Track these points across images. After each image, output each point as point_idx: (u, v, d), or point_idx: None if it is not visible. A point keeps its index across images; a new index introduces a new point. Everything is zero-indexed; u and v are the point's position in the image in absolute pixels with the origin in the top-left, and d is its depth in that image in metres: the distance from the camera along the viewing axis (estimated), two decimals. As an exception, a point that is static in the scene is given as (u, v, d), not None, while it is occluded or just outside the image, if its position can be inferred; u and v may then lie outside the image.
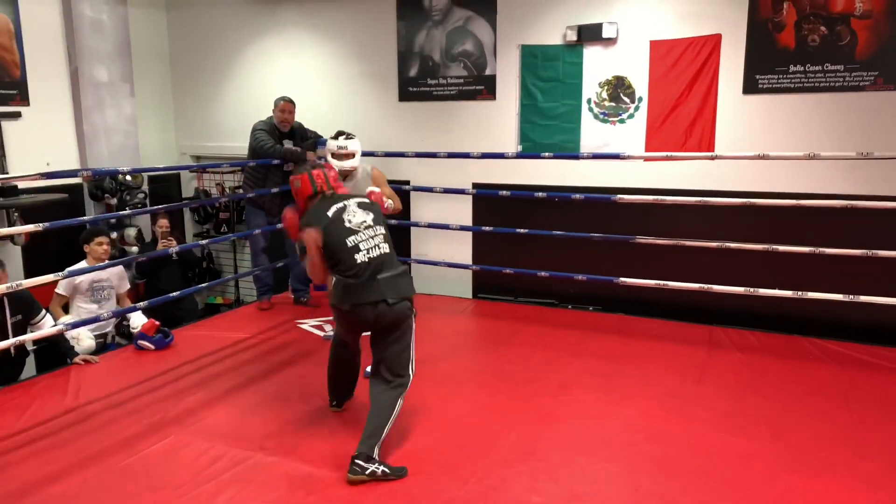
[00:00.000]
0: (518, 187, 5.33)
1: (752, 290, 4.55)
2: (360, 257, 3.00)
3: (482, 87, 5.67)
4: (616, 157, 5.01)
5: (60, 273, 3.99)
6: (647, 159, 5.09)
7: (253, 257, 5.58)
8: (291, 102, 5.38)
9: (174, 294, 4.68)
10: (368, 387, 3.10)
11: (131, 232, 6.03)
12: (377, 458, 2.84)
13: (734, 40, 4.84)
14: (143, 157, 6.35)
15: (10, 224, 5.02)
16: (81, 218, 5.56)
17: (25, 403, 3.58)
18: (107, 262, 4.60)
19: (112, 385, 3.83)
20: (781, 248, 4.51)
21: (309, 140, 5.56)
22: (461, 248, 5.82)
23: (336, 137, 4.35)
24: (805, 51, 4.66)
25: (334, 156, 4.31)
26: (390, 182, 4.71)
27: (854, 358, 4.25)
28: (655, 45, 5.03)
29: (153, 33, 6.86)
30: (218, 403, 3.62)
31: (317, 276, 3.15)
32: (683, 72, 4.97)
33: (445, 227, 5.61)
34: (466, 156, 5.32)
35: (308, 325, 4.98)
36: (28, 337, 3.84)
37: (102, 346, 4.68)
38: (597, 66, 5.24)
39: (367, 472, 2.80)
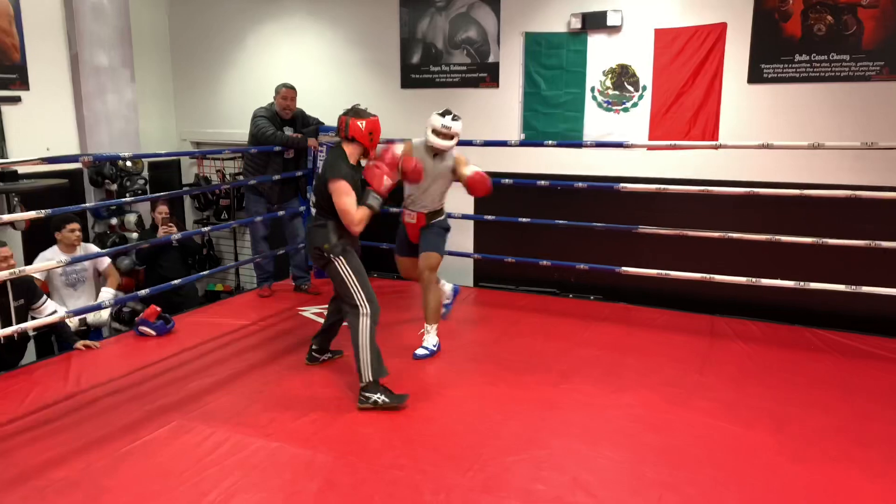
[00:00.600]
0: (520, 176, 5.31)
1: (754, 280, 4.54)
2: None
3: (485, 74, 5.64)
4: (619, 145, 4.99)
5: (63, 259, 3.98)
6: (650, 148, 5.08)
7: (253, 245, 5.55)
8: (293, 89, 5.34)
9: (175, 281, 4.67)
10: None
11: (131, 218, 6.02)
12: (371, 380, 3.36)
13: (739, 29, 4.81)
14: (143, 144, 6.32)
15: (10, 209, 5.00)
16: (82, 204, 5.55)
17: (26, 389, 3.57)
18: (94, 249, 4.58)
19: (113, 371, 3.82)
20: (784, 238, 4.50)
21: (310, 127, 5.53)
22: (462, 237, 5.80)
23: (443, 115, 4.10)
24: (811, 40, 4.63)
25: (435, 132, 4.09)
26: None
27: (855, 348, 4.25)
28: (660, 34, 5.00)
29: (154, 19, 6.82)
30: (220, 389, 3.61)
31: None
32: (688, 60, 4.95)
33: (448, 215, 5.57)
34: (469, 144, 5.28)
35: (309, 312, 4.97)
36: (32, 324, 3.83)
37: (85, 333, 4.65)
38: (601, 55, 5.21)
39: (370, 401, 3.32)
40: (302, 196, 5.76)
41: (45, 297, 4.13)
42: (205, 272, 5.58)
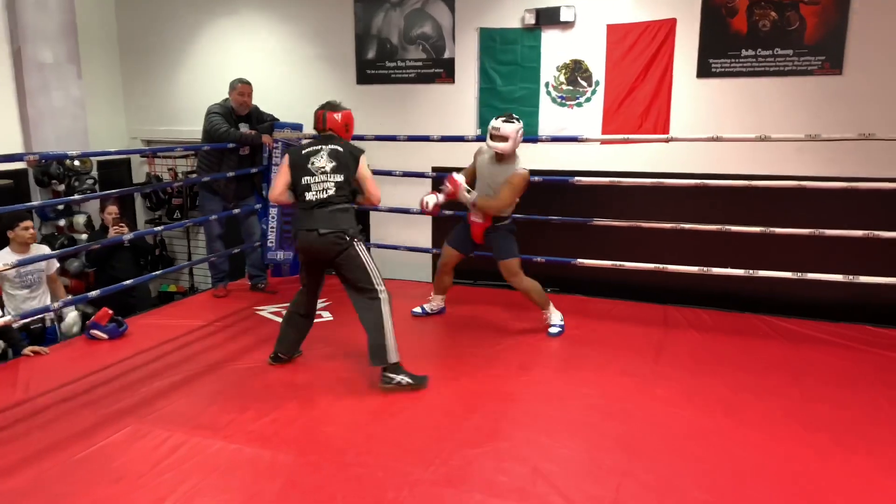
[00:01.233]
0: (477, 171, 5.33)
1: (705, 269, 4.66)
2: (310, 195, 3.56)
3: (441, 70, 5.64)
4: (574, 139, 5.06)
5: (14, 260, 3.85)
6: (603, 142, 5.16)
7: (208, 244, 5.44)
8: (249, 84, 5.24)
9: (127, 282, 4.56)
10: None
11: (80, 219, 5.86)
12: (396, 362, 3.49)
13: (688, 24, 4.92)
14: (91, 142, 6.15)
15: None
16: (28, 203, 5.36)
17: (-27, 397, 3.46)
18: (45, 250, 4.45)
19: (64, 376, 3.72)
20: (734, 228, 4.63)
21: (265, 123, 5.46)
22: (421, 232, 5.81)
23: (497, 118, 4.22)
24: (757, 35, 4.76)
25: (490, 135, 4.21)
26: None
27: (802, 334, 4.40)
28: (612, 29, 5.08)
29: (100, 13, 6.63)
30: (176, 392, 3.55)
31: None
32: (639, 56, 5.04)
33: (405, 211, 5.59)
34: (426, 139, 5.31)
35: (266, 311, 4.92)
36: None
37: (41, 330, 4.52)
38: (555, 50, 5.27)
39: (395, 381, 3.49)
40: (258, 193, 5.69)
41: None
42: (157, 272, 5.46)
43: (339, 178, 3.58)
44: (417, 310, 4.80)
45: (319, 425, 3.18)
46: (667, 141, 4.83)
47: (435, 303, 4.80)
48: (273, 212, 5.67)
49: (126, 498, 2.59)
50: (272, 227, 5.68)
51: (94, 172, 6.03)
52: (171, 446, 2.96)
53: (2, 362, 3.95)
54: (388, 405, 3.39)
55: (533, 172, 5.10)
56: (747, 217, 4.67)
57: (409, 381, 3.52)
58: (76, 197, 5.13)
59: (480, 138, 5.33)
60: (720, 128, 4.74)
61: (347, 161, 3.60)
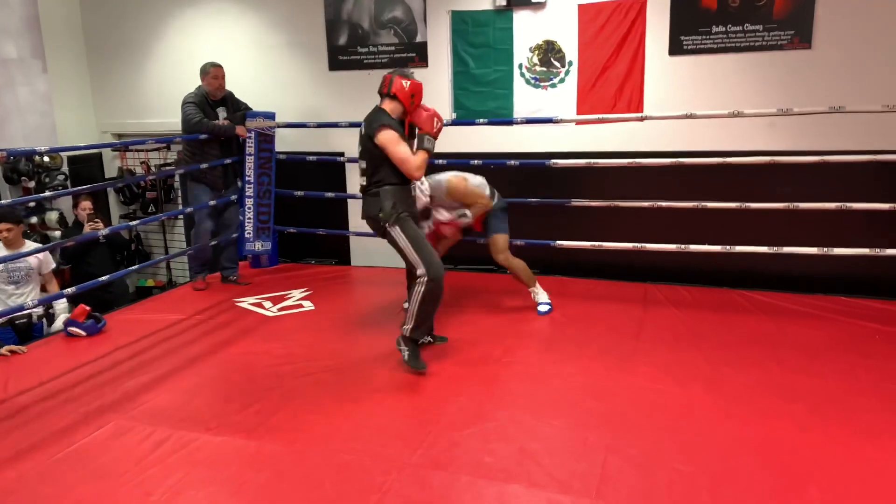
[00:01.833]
0: (453, 155, 5.30)
1: (683, 246, 4.71)
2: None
3: (414, 54, 5.60)
4: (549, 121, 5.07)
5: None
6: (578, 122, 5.17)
7: (195, 234, 5.36)
8: (221, 67, 5.16)
9: (103, 278, 4.50)
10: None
11: (52, 216, 5.77)
12: (406, 335, 3.54)
13: (659, 2, 4.93)
14: (60, 138, 6.05)
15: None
16: (-4, 202, 5.28)
17: (-51, 399, 3.40)
18: (36, 247, 4.38)
19: (44, 374, 3.67)
20: (710, 204, 4.68)
21: (240, 112, 5.40)
22: (399, 219, 5.78)
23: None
24: (726, 11, 4.78)
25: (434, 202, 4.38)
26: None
27: (780, 307, 4.47)
28: (584, 9, 5.07)
29: (64, 6, 6.48)
30: (158, 387, 3.52)
31: None
32: (611, 35, 5.04)
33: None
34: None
35: (247, 303, 4.89)
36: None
37: (28, 326, 4.45)
38: (527, 31, 5.25)
39: (399, 347, 3.58)
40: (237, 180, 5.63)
41: None
42: (135, 267, 5.39)
43: (363, 164, 3.61)
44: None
45: (304, 414, 3.17)
46: (641, 119, 4.85)
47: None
48: (249, 202, 5.62)
49: (111, 495, 2.57)
50: (249, 218, 5.64)
51: (65, 168, 5.92)
52: (156, 441, 2.94)
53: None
54: (372, 391, 3.40)
55: (509, 155, 5.15)
56: (723, 193, 4.71)
57: (406, 358, 3.57)
58: (47, 194, 5.04)
59: (455, 122, 5.33)
60: (693, 105, 4.76)
61: (366, 144, 3.56)
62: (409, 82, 3.57)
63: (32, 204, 5.62)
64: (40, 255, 4.57)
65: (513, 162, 5.08)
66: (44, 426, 3.12)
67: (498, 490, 2.54)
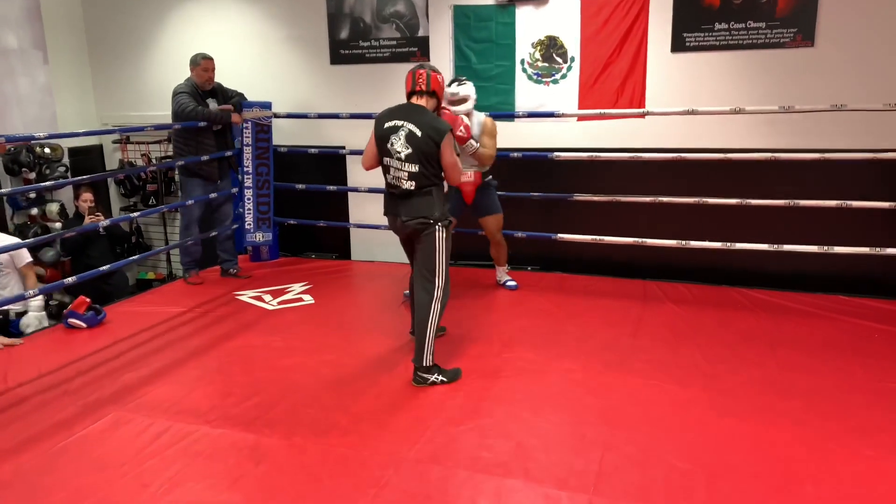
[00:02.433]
0: (455, 150, 5.31)
1: (683, 242, 4.71)
2: (389, 178, 3.45)
3: (415, 48, 5.60)
4: (551, 115, 5.07)
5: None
6: (580, 118, 5.16)
7: (184, 228, 5.33)
8: (212, 59, 5.13)
9: (103, 268, 4.50)
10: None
11: (53, 207, 5.76)
12: (429, 365, 3.39)
13: (662, -1, 4.92)
14: (61, 129, 6.03)
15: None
16: (-2, 191, 5.28)
17: (-51, 390, 3.41)
18: (29, 240, 4.37)
19: (43, 366, 3.68)
20: (710, 200, 4.68)
21: (234, 99, 5.38)
22: (400, 213, 5.78)
23: (450, 85, 4.41)
24: (729, 9, 4.77)
25: (449, 102, 4.33)
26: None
27: (778, 305, 4.47)
28: (586, 4, 5.06)
29: (65, -3, 6.47)
30: (158, 379, 3.53)
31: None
32: (614, 31, 5.03)
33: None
34: (402, 119, 5.25)
35: (247, 296, 4.89)
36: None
37: (4, 322, 4.45)
38: (529, 26, 5.24)
39: (428, 382, 3.39)
40: (235, 171, 5.62)
41: None
42: (134, 258, 5.37)
43: (414, 168, 3.32)
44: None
45: (303, 408, 3.18)
46: (643, 116, 4.85)
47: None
48: (249, 194, 5.62)
49: (109, 486, 2.58)
50: (248, 210, 5.63)
51: (66, 160, 5.91)
52: (154, 433, 2.95)
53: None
54: (370, 385, 3.41)
55: (511, 150, 5.13)
56: (724, 190, 4.72)
57: (444, 378, 3.41)
58: (48, 184, 5.02)
59: (457, 117, 5.31)
60: (695, 101, 4.76)
61: (423, 147, 3.30)
62: (441, 76, 3.49)
63: (33, 195, 5.62)
64: (12, 250, 4.44)
65: (515, 155, 5.08)
66: (43, 417, 3.13)
67: (496, 485, 2.55)
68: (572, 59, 5.18)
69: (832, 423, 2.96)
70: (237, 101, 5.36)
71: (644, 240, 4.80)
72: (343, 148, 5.77)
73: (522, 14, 5.24)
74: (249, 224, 5.64)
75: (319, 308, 4.64)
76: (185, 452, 2.80)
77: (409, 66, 5.51)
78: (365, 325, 4.34)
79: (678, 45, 4.94)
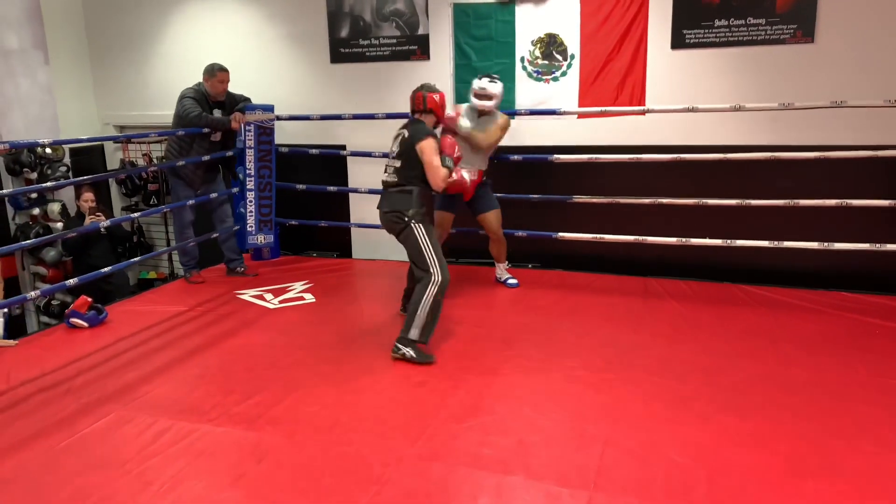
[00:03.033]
0: (455, 148, 5.31)
1: (683, 240, 4.71)
2: (383, 176, 3.91)
3: (415, 47, 5.60)
4: (551, 113, 5.07)
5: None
6: (580, 115, 5.16)
7: (177, 231, 5.35)
8: (228, 72, 5.14)
9: (105, 269, 4.51)
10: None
11: (55, 207, 5.77)
12: (413, 339, 3.61)
13: (661, -5, 4.91)
14: (62, 129, 6.04)
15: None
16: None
17: (-49, 390, 3.42)
18: (30, 241, 4.37)
19: (45, 365, 3.69)
20: (710, 201, 4.68)
21: (239, 105, 5.39)
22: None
23: (480, 78, 4.60)
24: (729, 5, 4.77)
25: (475, 94, 4.57)
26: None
27: (779, 301, 4.47)
28: (586, 2, 5.06)
29: (65, -3, 6.49)
30: (159, 377, 3.54)
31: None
32: (614, 28, 5.02)
33: (384, 191, 5.55)
34: (404, 117, 5.25)
35: (248, 295, 4.90)
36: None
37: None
38: (529, 24, 5.24)
39: (399, 352, 3.63)
40: (233, 177, 5.63)
41: None
42: (136, 259, 5.39)
43: (397, 163, 3.82)
44: None
45: (304, 406, 3.19)
46: (643, 113, 4.85)
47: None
48: (251, 195, 5.63)
49: (111, 484, 2.59)
50: (250, 212, 5.64)
51: (67, 160, 5.92)
52: (156, 432, 2.96)
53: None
54: (372, 384, 3.41)
55: (511, 149, 5.14)
56: (724, 189, 4.72)
57: (414, 355, 3.61)
58: (49, 184, 5.03)
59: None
60: (695, 98, 4.76)
61: (408, 146, 3.78)
62: (438, 95, 3.95)
63: (34, 195, 5.63)
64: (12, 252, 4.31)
65: (516, 157, 5.09)
66: (45, 416, 3.14)
67: (496, 482, 2.56)
68: (572, 57, 5.18)
69: (833, 418, 2.96)
70: (242, 106, 5.36)
71: (644, 238, 4.80)
72: (344, 148, 5.77)
73: (522, 12, 5.24)
74: (251, 226, 5.65)
75: (321, 306, 4.65)
76: (187, 451, 2.81)
77: (410, 64, 5.63)
78: (366, 324, 4.35)
79: (678, 42, 4.94)
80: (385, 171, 3.90)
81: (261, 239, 5.71)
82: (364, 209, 5.90)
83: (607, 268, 5.14)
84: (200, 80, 5.16)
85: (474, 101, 4.57)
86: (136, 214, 5.46)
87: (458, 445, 2.82)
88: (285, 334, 4.11)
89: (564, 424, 2.98)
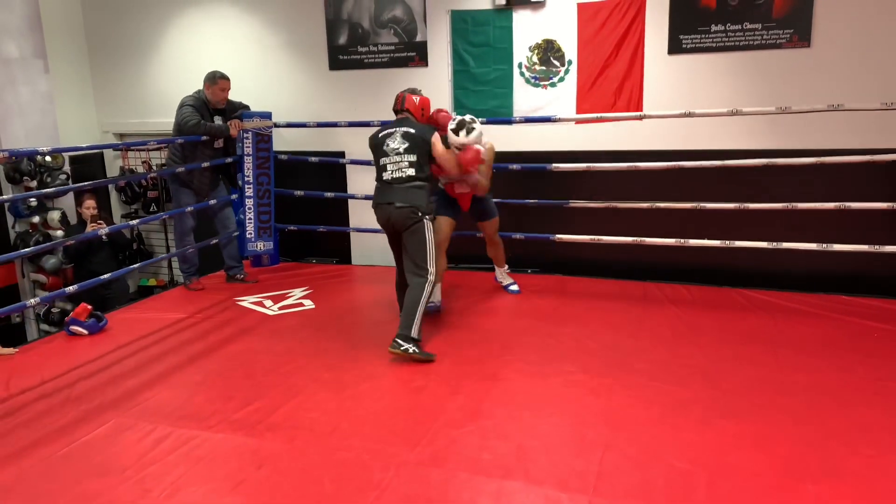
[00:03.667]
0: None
1: (682, 241, 4.72)
2: (386, 175, 3.91)
3: (414, 53, 5.62)
4: (548, 120, 5.09)
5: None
6: (578, 121, 5.17)
7: (178, 238, 5.36)
8: (229, 80, 5.17)
9: (104, 276, 4.51)
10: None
11: (55, 215, 5.78)
12: (415, 337, 3.66)
13: (658, 1, 4.93)
14: (62, 137, 6.05)
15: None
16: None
17: (-49, 398, 3.42)
18: (30, 248, 4.38)
19: (45, 373, 3.69)
20: (708, 205, 4.69)
21: (237, 112, 5.41)
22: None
23: (456, 132, 4.15)
24: (725, 10, 4.79)
25: (456, 149, 4.14)
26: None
27: (778, 305, 4.47)
28: (583, 7, 5.08)
29: (65, 6, 6.51)
30: (159, 384, 3.54)
31: None
32: (611, 34, 5.05)
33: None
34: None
35: (247, 301, 4.90)
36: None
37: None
38: (526, 30, 5.26)
39: (402, 348, 3.65)
40: (233, 184, 5.64)
41: None
42: (135, 265, 5.40)
43: (412, 157, 3.86)
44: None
45: (303, 412, 3.19)
46: (640, 118, 4.86)
47: (437, 294, 4.52)
48: (250, 202, 5.64)
49: (111, 492, 2.59)
50: (249, 219, 5.66)
51: (67, 168, 5.93)
52: (156, 438, 2.96)
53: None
54: (372, 390, 3.41)
55: (509, 155, 5.15)
56: (722, 194, 4.72)
57: (417, 351, 3.67)
58: (49, 191, 5.04)
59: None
60: (693, 103, 4.77)
61: (419, 142, 3.88)
62: (417, 97, 4.07)
63: (34, 203, 5.64)
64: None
65: (514, 166, 5.12)
66: (45, 424, 3.14)
67: (496, 487, 2.56)
68: (570, 63, 5.20)
69: (832, 421, 2.96)
70: (240, 114, 5.38)
71: (643, 239, 4.81)
72: (343, 155, 5.79)
73: (520, 18, 5.26)
74: (250, 233, 5.67)
75: (320, 313, 4.65)
76: (187, 457, 2.81)
77: (408, 71, 5.65)
78: (365, 329, 4.35)
79: (675, 48, 4.96)
80: (387, 169, 3.89)
81: (260, 246, 5.72)
82: (363, 215, 5.91)
83: (606, 273, 5.14)
84: (200, 87, 5.18)
85: (458, 153, 4.10)
86: (133, 222, 5.46)
87: (458, 450, 2.82)
88: (285, 341, 4.11)
89: (564, 429, 2.98)
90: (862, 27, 4.54)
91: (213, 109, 5.19)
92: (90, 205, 5.50)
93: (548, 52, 5.24)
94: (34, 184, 5.66)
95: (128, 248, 6.39)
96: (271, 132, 5.61)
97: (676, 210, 4.80)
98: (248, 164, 5.57)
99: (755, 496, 2.46)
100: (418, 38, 5.58)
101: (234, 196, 5.57)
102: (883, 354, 3.67)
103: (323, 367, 3.69)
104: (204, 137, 5.13)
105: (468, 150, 4.06)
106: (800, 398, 3.18)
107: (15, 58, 5.63)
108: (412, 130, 3.91)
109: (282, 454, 2.82)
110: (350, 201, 5.97)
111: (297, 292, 5.08)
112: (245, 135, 5.45)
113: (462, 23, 5.41)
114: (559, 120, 5.05)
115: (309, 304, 4.83)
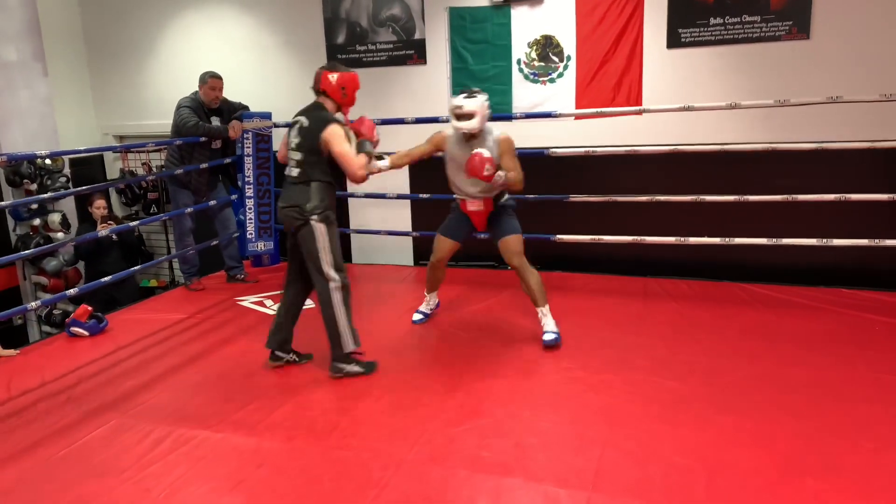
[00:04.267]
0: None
1: (682, 239, 4.70)
2: (286, 170, 3.58)
3: (412, 51, 5.61)
4: (548, 115, 5.07)
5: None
6: (577, 117, 5.16)
7: (177, 239, 5.37)
8: (220, 78, 5.16)
9: (106, 279, 4.52)
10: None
11: (55, 218, 5.79)
12: (349, 351, 3.48)
13: (656, -5, 4.92)
14: (61, 140, 6.06)
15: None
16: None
17: (-48, 400, 3.43)
18: (31, 250, 4.39)
19: (46, 374, 3.70)
20: (708, 198, 4.67)
21: (237, 113, 5.41)
22: (400, 216, 5.80)
23: (456, 96, 3.84)
24: (724, 3, 4.77)
25: (453, 115, 3.80)
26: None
27: (779, 299, 4.46)
28: (581, 3, 5.07)
29: (64, 9, 6.52)
30: (159, 385, 3.55)
31: None
32: (609, 28, 5.03)
33: (382, 196, 5.58)
34: (401, 122, 5.28)
35: (248, 301, 4.91)
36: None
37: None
38: (525, 26, 5.25)
39: (342, 373, 3.49)
40: (233, 184, 5.65)
41: None
42: (137, 267, 5.40)
43: (299, 155, 3.48)
44: (418, 316, 4.37)
45: (303, 411, 3.19)
46: (639, 113, 4.84)
47: (432, 302, 4.43)
48: (250, 203, 5.64)
49: (111, 492, 2.60)
50: (250, 219, 5.66)
51: (67, 170, 5.94)
52: (156, 439, 2.96)
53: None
54: (371, 388, 3.41)
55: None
56: (722, 186, 4.71)
57: (359, 368, 3.52)
58: (49, 195, 5.05)
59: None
60: (692, 97, 4.76)
61: (308, 136, 3.45)
62: (335, 75, 3.54)
63: (35, 206, 5.65)
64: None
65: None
66: (45, 425, 3.15)
67: (495, 484, 2.56)
68: (568, 58, 5.19)
69: (832, 416, 2.95)
70: (240, 114, 5.38)
71: (643, 237, 4.80)
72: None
73: (518, 14, 5.25)
74: (251, 233, 5.67)
75: (318, 312, 4.63)
76: (187, 457, 2.81)
77: (407, 69, 5.64)
78: (363, 328, 4.31)
79: (673, 42, 4.94)
80: (289, 163, 3.54)
81: (261, 246, 5.73)
82: (362, 214, 5.92)
83: (606, 269, 5.13)
84: (197, 89, 5.18)
85: (455, 122, 3.81)
86: (134, 223, 5.47)
87: (457, 449, 2.82)
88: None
89: (563, 426, 2.98)
90: (861, 19, 4.52)
91: (209, 110, 5.19)
92: (101, 204, 5.52)
93: (546, 47, 5.23)
94: (34, 187, 5.67)
95: (138, 249, 6.40)
96: (271, 132, 5.62)
97: (676, 204, 4.78)
98: (249, 164, 5.58)
99: (755, 492, 2.45)
100: (417, 36, 5.58)
101: (233, 196, 5.57)
102: (884, 348, 3.66)
103: (322, 366, 3.68)
104: (202, 138, 5.13)
105: (472, 157, 3.63)
106: (800, 393, 3.17)
107: (14, 61, 5.63)
108: (306, 123, 3.48)
109: (281, 453, 2.83)
110: (349, 200, 5.96)
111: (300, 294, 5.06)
112: (245, 135, 5.45)
113: (460, 20, 5.40)
114: (559, 116, 5.04)
115: (309, 303, 4.81)
